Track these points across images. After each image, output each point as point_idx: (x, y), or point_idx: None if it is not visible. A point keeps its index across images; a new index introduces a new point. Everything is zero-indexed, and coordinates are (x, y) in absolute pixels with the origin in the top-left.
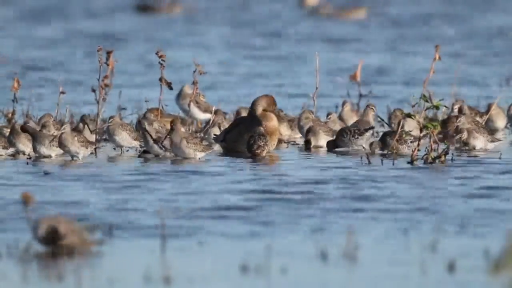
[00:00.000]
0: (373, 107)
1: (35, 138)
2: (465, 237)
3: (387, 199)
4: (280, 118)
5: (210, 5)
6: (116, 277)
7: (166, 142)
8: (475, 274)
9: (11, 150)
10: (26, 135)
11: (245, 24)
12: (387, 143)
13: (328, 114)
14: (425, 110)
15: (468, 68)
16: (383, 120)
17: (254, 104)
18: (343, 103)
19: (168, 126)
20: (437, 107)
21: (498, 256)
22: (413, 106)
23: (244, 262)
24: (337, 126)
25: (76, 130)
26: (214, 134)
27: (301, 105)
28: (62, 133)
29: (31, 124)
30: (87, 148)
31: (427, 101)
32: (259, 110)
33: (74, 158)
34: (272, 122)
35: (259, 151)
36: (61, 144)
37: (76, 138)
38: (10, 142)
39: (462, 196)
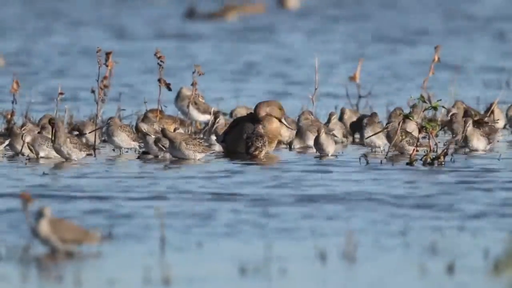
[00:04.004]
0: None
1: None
2: (464, 238)
3: (386, 199)
4: None
5: None
6: (116, 278)
7: (165, 143)
8: (474, 274)
9: (6, 143)
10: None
11: None
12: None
13: (330, 115)
14: (423, 111)
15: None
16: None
17: (257, 108)
18: (342, 110)
19: (168, 127)
20: (435, 108)
21: (499, 257)
22: (411, 107)
23: (243, 263)
24: (338, 128)
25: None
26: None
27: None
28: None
29: (29, 125)
30: (80, 150)
31: (425, 101)
32: (262, 115)
33: (68, 160)
34: (274, 124)
35: (256, 152)
36: (54, 146)
37: (68, 140)
38: (11, 146)
39: (462, 197)
